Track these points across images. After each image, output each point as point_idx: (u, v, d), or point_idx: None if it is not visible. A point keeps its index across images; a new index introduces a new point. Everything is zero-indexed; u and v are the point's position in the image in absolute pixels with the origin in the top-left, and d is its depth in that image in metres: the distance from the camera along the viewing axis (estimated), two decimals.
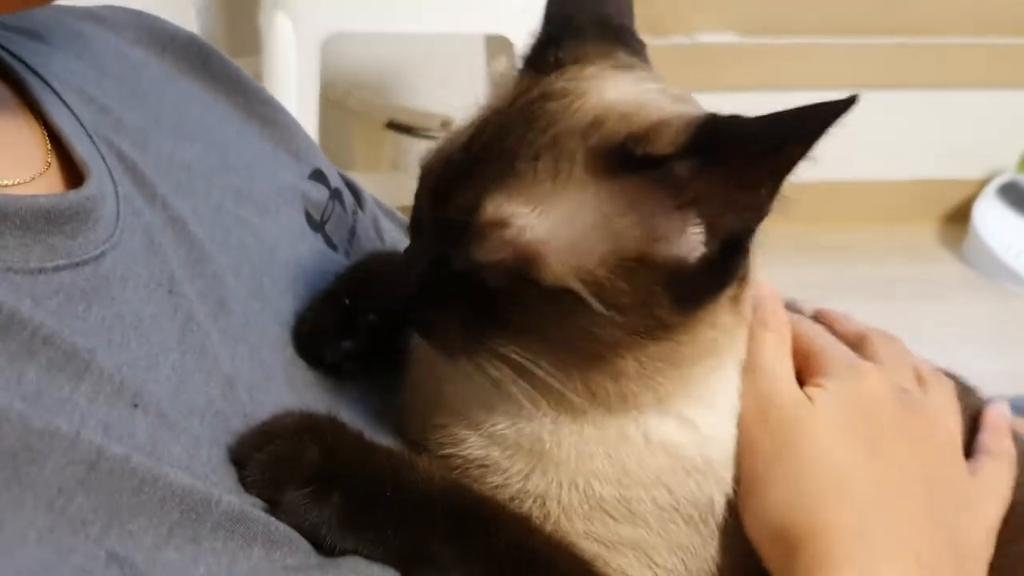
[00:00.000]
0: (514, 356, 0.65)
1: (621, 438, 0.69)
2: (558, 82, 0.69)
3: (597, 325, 0.64)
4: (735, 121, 0.62)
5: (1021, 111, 3.27)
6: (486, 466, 0.70)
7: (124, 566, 0.51)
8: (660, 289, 0.65)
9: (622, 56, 0.74)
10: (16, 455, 0.49)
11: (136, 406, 0.57)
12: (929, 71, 3.25)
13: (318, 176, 0.88)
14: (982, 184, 3.31)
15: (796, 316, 0.80)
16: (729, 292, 0.69)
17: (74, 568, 0.49)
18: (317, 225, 0.84)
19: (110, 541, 0.51)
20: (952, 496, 0.73)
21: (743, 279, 0.71)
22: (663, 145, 0.62)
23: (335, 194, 0.88)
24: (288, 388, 0.69)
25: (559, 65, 0.71)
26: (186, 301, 0.65)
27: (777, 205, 0.65)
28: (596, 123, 0.66)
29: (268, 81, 2.24)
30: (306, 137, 0.94)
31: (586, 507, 0.69)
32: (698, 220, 0.64)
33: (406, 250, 0.72)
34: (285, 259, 0.77)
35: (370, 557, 0.63)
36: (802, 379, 0.74)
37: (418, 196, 0.70)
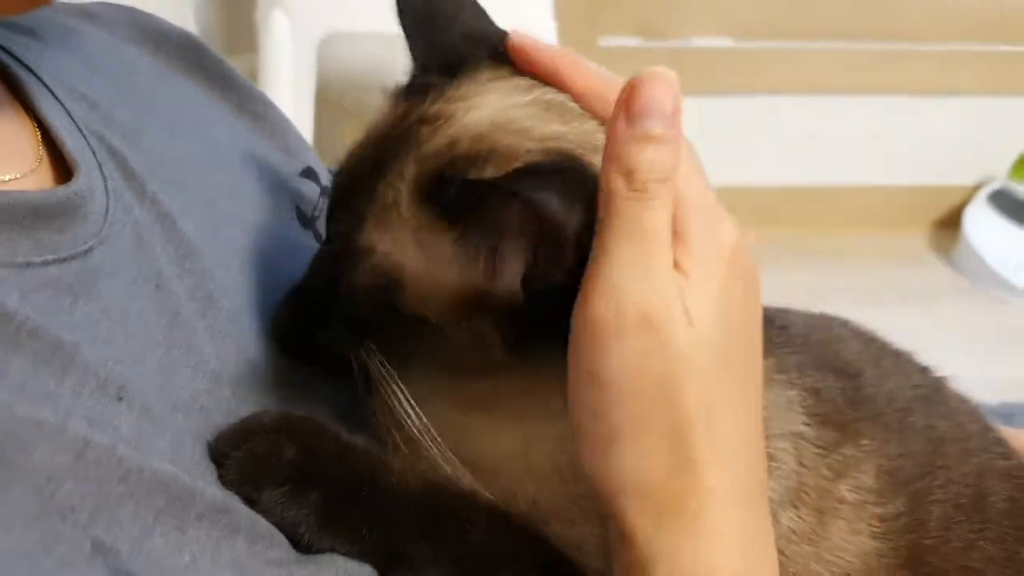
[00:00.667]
0: (386, 371, 0.66)
1: (559, 440, 0.64)
2: (434, 104, 0.67)
3: (455, 355, 0.66)
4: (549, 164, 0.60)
5: (1013, 118, 3.29)
6: (468, 434, 0.69)
7: (109, 556, 0.51)
8: (490, 328, 0.63)
9: (488, 68, 0.69)
10: (5, 442, 0.49)
11: (121, 399, 0.57)
12: (921, 77, 3.26)
13: (309, 174, 0.89)
14: (973, 191, 3.33)
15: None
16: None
17: (58, 557, 0.49)
18: (308, 222, 0.84)
19: (96, 530, 0.51)
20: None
21: None
22: (492, 172, 0.61)
23: (325, 191, 0.88)
24: (274, 385, 0.69)
25: (437, 87, 0.69)
26: (173, 297, 0.66)
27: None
28: (447, 147, 0.64)
29: (264, 79, 2.24)
30: (298, 135, 0.94)
31: (529, 506, 0.68)
32: (514, 255, 0.61)
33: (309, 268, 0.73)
34: (275, 256, 0.77)
35: (347, 555, 0.63)
36: None
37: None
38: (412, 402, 0.67)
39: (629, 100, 0.55)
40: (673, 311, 0.56)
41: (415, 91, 0.70)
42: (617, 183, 0.55)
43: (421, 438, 0.68)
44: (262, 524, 0.60)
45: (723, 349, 0.58)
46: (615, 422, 0.56)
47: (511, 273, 0.61)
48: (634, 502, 0.57)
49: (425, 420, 0.67)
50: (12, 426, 0.50)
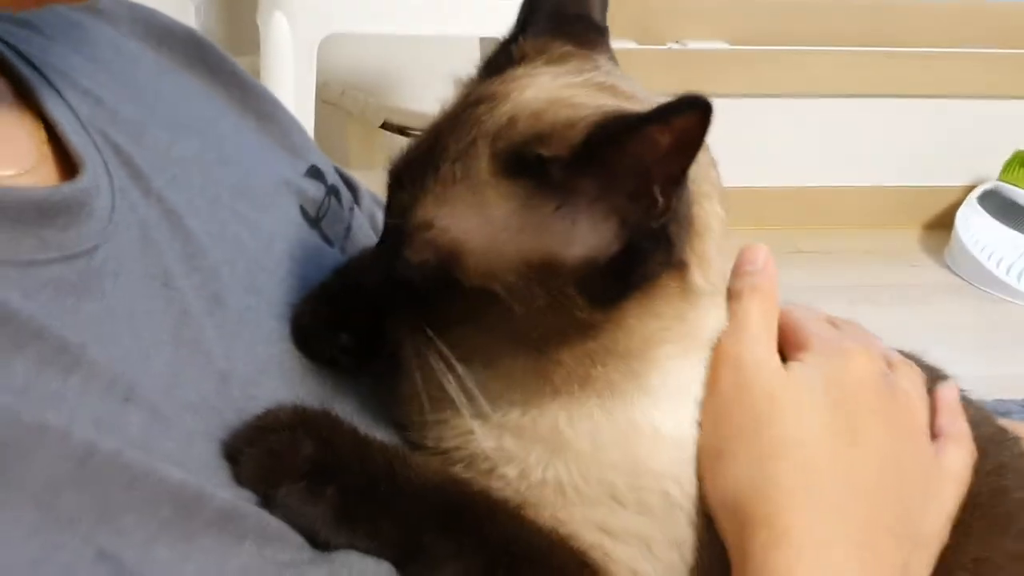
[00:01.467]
0: (445, 355, 0.67)
1: (631, 427, 0.69)
2: (492, 85, 0.71)
3: (522, 324, 0.66)
4: (616, 117, 0.63)
5: (1004, 120, 3.29)
6: (497, 458, 0.70)
7: (113, 565, 0.50)
8: (572, 290, 0.65)
9: (557, 48, 0.74)
10: (5, 449, 0.49)
11: (128, 400, 0.56)
12: (914, 80, 3.27)
13: (314, 173, 0.88)
14: (965, 191, 3.33)
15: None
16: (668, 281, 0.69)
17: (61, 566, 0.49)
18: (313, 221, 0.83)
19: (99, 538, 0.50)
20: (921, 484, 0.73)
21: (681, 266, 0.69)
22: (558, 147, 0.63)
23: (331, 190, 0.88)
24: (283, 383, 0.68)
25: (512, 64, 0.73)
26: (180, 295, 0.65)
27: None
28: (508, 125, 0.67)
29: (265, 80, 2.24)
30: (303, 133, 0.93)
31: (599, 493, 0.69)
32: (593, 218, 0.64)
33: (364, 253, 0.75)
34: (281, 254, 0.76)
35: (365, 551, 0.63)
36: (784, 353, 0.74)
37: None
38: (470, 385, 0.67)
39: (737, 265, 0.77)
40: (762, 356, 0.72)
41: (480, 77, 0.74)
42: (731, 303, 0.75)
43: (476, 420, 0.68)
44: (273, 526, 0.59)
45: (817, 405, 0.71)
46: (719, 444, 0.70)
47: (592, 233, 0.65)
48: (735, 516, 0.68)
49: (485, 404, 0.68)
50: (13, 432, 0.49)
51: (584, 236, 0.64)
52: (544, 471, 0.69)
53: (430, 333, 0.67)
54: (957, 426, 0.78)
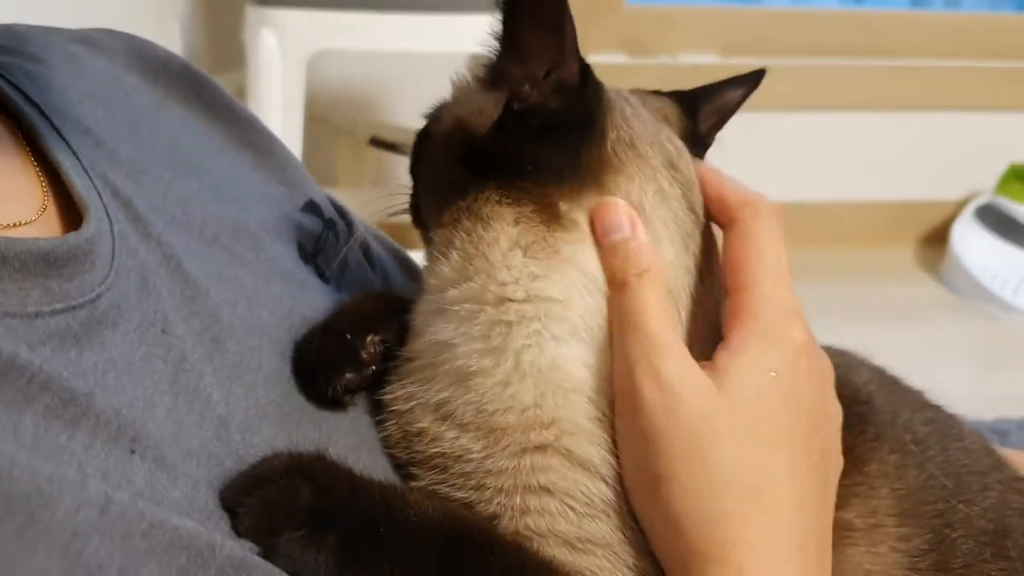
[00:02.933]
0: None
1: (541, 377, 0.69)
2: None
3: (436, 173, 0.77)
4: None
5: (998, 134, 3.30)
6: (460, 456, 0.70)
7: None
8: (460, 150, 0.75)
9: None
10: (29, 499, 0.48)
11: (133, 452, 0.56)
12: (908, 93, 3.27)
13: (311, 207, 0.88)
14: (960, 206, 3.33)
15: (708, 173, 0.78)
16: (549, 194, 0.71)
17: None
18: (309, 256, 0.83)
19: None
20: (832, 474, 0.71)
21: (559, 181, 0.71)
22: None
23: (328, 225, 0.88)
24: (282, 425, 0.68)
25: None
26: (179, 341, 0.65)
27: None
28: None
29: (252, 97, 2.24)
30: (299, 167, 0.93)
31: (537, 476, 0.68)
32: (491, 97, 0.74)
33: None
34: (280, 292, 0.76)
35: None
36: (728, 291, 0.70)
37: None
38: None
39: (596, 230, 0.70)
40: (681, 372, 0.64)
41: None
42: (612, 289, 0.68)
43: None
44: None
45: (759, 417, 0.65)
46: (657, 471, 0.64)
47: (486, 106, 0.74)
48: (679, 545, 0.64)
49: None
50: (36, 482, 0.49)
51: (488, 104, 0.74)
52: (486, 460, 0.69)
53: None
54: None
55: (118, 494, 0.52)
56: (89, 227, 0.63)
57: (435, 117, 0.80)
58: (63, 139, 0.69)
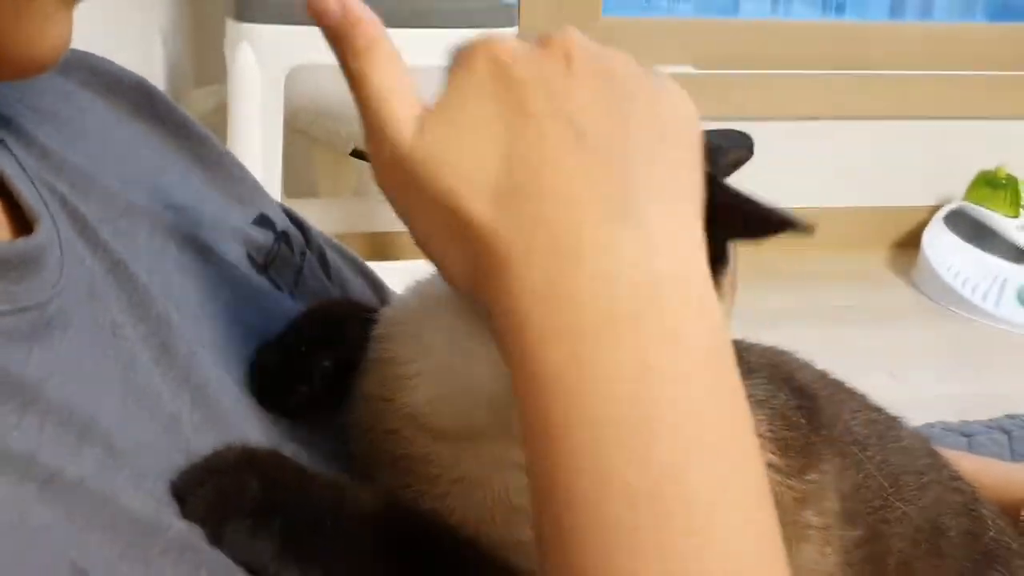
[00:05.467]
0: None
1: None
2: None
3: None
4: None
5: (969, 140, 3.34)
6: (429, 461, 0.70)
7: None
8: None
9: None
10: None
11: (83, 436, 0.56)
12: (880, 102, 3.31)
13: (263, 221, 0.88)
14: (931, 212, 3.37)
15: None
16: None
17: (41, 568, 0.49)
18: (262, 268, 0.83)
19: (71, 553, 0.50)
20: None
21: None
22: None
23: (281, 237, 0.88)
24: (232, 428, 0.68)
25: None
26: (128, 344, 0.65)
27: None
28: None
29: (232, 110, 2.25)
30: (252, 182, 0.93)
31: (510, 496, 0.67)
32: None
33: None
34: (227, 302, 0.76)
35: None
36: None
37: None
38: None
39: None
40: (389, 122, 0.58)
41: None
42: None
43: None
44: (225, 562, 0.59)
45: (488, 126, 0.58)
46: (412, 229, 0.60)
47: None
48: (482, 195, 0.56)
49: None
50: None
51: None
52: (456, 467, 0.69)
53: None
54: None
55: (68, 470, 0.52)
56: (40, 233, 0.63)
57: None
58: (8, 150, 0.69)
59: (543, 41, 0.62)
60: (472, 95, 0.59)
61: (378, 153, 0.60)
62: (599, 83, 0.61)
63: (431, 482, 0.70)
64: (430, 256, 0.62)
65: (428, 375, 0.72)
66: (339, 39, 0.61)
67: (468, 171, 0.56)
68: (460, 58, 0.61)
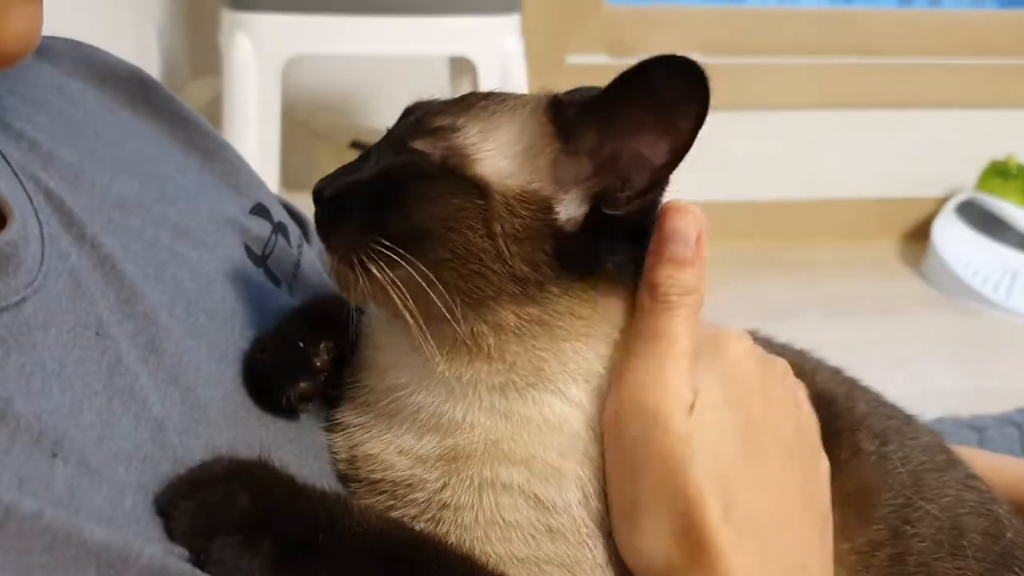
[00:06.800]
0: (404, 264, 0.67)
1: (522, 420, 0.69)
2: None
3: (485, 251, 0.68)
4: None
5: (979, 130, 3.31)
6: (411, 484, 0.70)
7: None
8: (546, 239, 0.68)
9: None
10: None
11: (55, 455, 0.55)
12: (890, 91, 3.28)
13: (260, 211, 0.87)
14: (941, 202, 3.34)
15: None
16: (619, 283, 0.71)
17: None
18: (259, 259, 0.83)
19: None
20: (810, 450, 0.73)
21: (621, 282, 0.71)
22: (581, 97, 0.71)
23: (278, 228, 0.87)
24: (223, 428, 0.67)
25: None
26: (114, 343, 0.64)
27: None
28: (544, 90, 0.75)
29: (228, 102, 2.24)
30: (249, 171, 0.93)
31: (499, 508, 0.68)
32: (589, 186, 0.69)
33: (337, 170, 0.75)
34: (222, 294, 0.76)
35: None
36: None
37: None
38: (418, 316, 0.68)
39: (660, 229, 0.69)
40: (672, 402, 0.66)
41: None
42: (644, 298, 0.69)
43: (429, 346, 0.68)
44: None
45: (732, 435, 0.67)
46: (631, 495, 0.66)
47: (577, 203, 0.70)
48: (659, 566, 0.65)
49: (432, 342, 0.69)
50: None
51: (579, 197, 0.69)
52: (442, 493, 0.69)
53: (390, 247, 0.68)
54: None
55: (23, 507, 0.51)
56: (11, 230, 0.62)
57: (448, 165, 0.70)
58: None
59: (766, 361, 0.73)
60: (728, 399, 0.68)
61: (650, 410, 0.67)
62: (794, 411, 0.74)
63: (418, 507, 0.69)
64: (624, 509, 0.67)
65: (414, 418, 0.71)
66: (671, 267, 0.68)
67: (713, 472, 0.65)
68: (721, 342, 0.71)
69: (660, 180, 0.68)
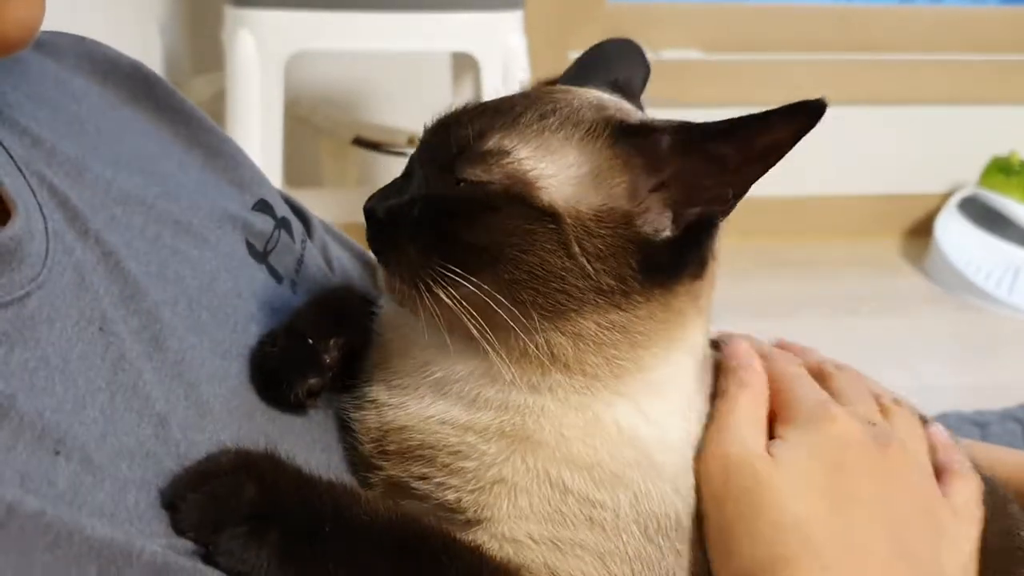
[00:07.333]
0: (471, 287, 0.68)
1: (596, 422, 0.70)
2: (546, 89, 0.78)
3: (567, 270, 0.69)
4: (714, 123, 0.70)
5: (981, 127, 3.31)
6: (460, 452, 0.70)
7: None
8: (631, 252, 0.70)
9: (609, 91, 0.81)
10: None
11: (58, 453, 0.55)
12: (892, 87, 3.28)
13: (263, 206, 0.87)
14: (944, 199, 3.34)
15: (771, 351, 0.83)
16: (687, 283, 0.73)
17: None
18: (260, 256, 0.83)
19: None
20: (931, 526, 0.74)
21: (701, 276, 0.74)
22: (666, 127, 0.71)
23: (281, 223, 0.87)
24: (226, 423, 0.68)
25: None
26: (117, 339, 0.64)
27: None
28: (600, 105, 0.75)
29: (231, 98, 2.23)
30: (252, 167, 0.92)
31: (552, 500, 0.69)
32: (670, 200, 0.71)
33: (384, 188, 0.75)
34: (225, 291, 0.76)
35: None
36: (772, 425, 0.77)
37: (414, 155, 0.76)
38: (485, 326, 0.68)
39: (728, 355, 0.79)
40: (746, 452, 0.72)
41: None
42: (720, 394, 0.77)
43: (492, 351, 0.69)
44: None
45: (808, 482, 0.72)
46: (723, 521, 0.71)
47: (665, 214, 0.71)
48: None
49: (501, 349, 0.69)
50: None
51: (659, 211, 0.71)
52: (501, 468, 0.69)
53: (452, 269, 0.68)
54: (957, 460, 0.80)
55: (25, 506, 0.51)
56: (16, 224, 0.62)
57: (514, 184, 0.71)
58: None
59: (883, 441, 0.76)
60: (825, 463, 0.73)
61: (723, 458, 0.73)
62: (917, 501, 0.76)
63: (463, 477, 0.70)
64: (720, 532, 0.71)
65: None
66: (735, 375, 0.78)
67: (806, 523, 0.70)
68: (822, 415, 0.75)
69: (742, 192, 0.72)
